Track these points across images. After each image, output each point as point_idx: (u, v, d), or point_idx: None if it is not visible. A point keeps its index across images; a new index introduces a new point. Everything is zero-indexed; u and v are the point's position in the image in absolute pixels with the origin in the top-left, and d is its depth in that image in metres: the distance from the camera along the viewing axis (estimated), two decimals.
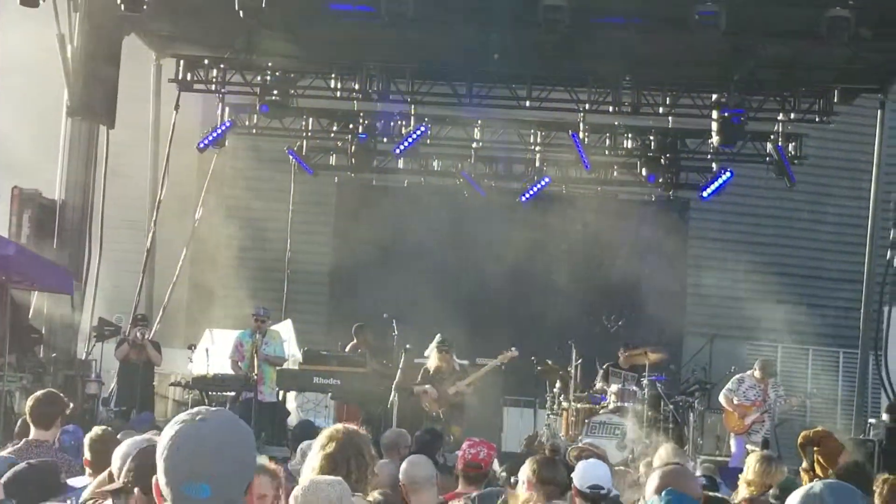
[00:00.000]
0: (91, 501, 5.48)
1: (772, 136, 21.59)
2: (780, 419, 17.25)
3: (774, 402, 16.45)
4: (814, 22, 15.55)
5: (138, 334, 17.33)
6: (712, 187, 22.14)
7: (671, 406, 17.07)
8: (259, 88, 20.32)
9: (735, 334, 23.81)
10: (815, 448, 10.44)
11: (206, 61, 20.52)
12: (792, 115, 20.78)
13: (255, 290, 22.43)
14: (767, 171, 22.10)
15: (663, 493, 4.60)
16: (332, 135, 23.27)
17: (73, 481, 4.92)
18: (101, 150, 18.06)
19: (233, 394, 16.17)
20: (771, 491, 8.18)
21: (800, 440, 11.44)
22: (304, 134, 22.98)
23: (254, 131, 22.72)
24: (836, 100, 20.29)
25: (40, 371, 16.11)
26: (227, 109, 21.78)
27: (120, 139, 18.53)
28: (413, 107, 21.64)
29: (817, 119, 20.55)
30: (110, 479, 4.75)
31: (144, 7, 16.00)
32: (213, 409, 3.00)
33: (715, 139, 19.74)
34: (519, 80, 20.24)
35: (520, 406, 20.41)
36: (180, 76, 20.54)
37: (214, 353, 17.92)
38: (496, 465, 8.73)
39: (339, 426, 5.93)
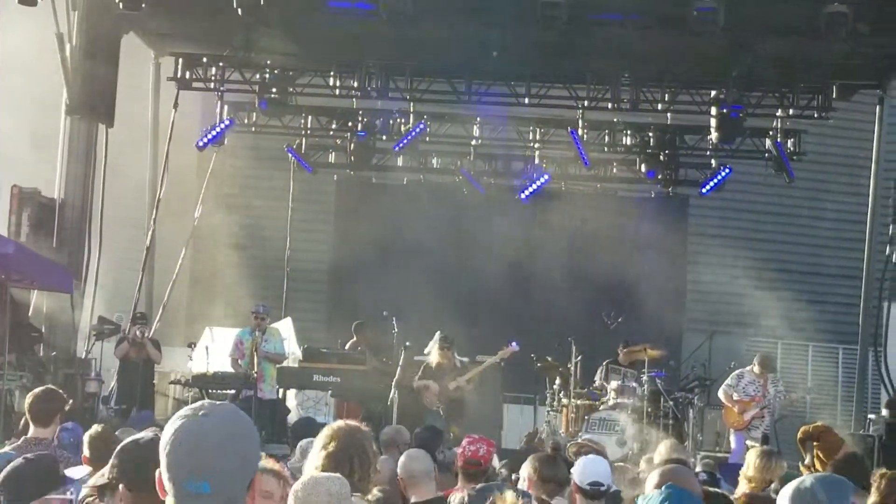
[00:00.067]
0: (91, 498, 5.50)
1: (770, 133, 21.60)
2: (780, 415, 17.26)
3: (774, 398, 16.45)
4: (812, 18, 15.55)
5: (138, 332, 17.33)
6: (711, 184, 22.17)
7: (671, 402, 17.06)
8: (258, 86, 20.33)
9: (735, 330, 23.81)
10: (815, 443, 10.48)
11: (204, 59, 20.52)
12: (790, 112, 20.78)
13: (254, 287, 22.44)
14: (766, 168, 22.10)
15: (664, 488, 4.61)
16: (332, 133, 23.27)
17: (72, 472, 4.93)
18: (100, 149, 18.08)
19: (233, 392, 16.16)
20: (772, 486, 8.18)
21: (799, 435, 11.47)
22: (304, 132, 22.97)
23: (253, 129, 22.72)
24: (834, 96, 20.28)
25: (40, 370, 16.11)
26: (226, 107, 21.77)
27: (119, 138, 18.54)
28: (412, 104, 21.66)
29: (816, 115, 20.53)
30: None
31: (143, 5, 16.00)
32: (217, 403, 2.97)
33: (714, 135, 19.76)
34: (518, 78, 20.24)
35: (520, 403, 20.42)
36: (179, 74, 20.54)
37: (214, 351, 17.91)
38: (496, 462, 8.74)
39: (341, 423, 5.87)
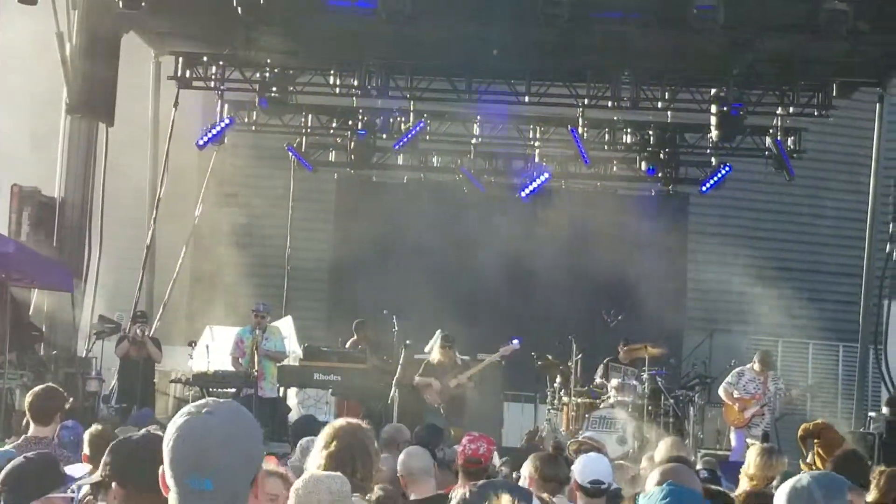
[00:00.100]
0: (91, 497, 5.50)
1: (771, 131, 21.59)
2: (781, 413, 17.26)
3: (774, 395, 16.45)
4: (812, 15, 15.54)
5: (138, 331, 17.33)
6: (711, 182, 22.18)
7: (671, 400, 17.08)
8: (258, 85, 20.33)
9: (735, 328, 23.81)
10: (816, 440, 10.49)
11: (204, 58, 20.53)
12: (791, 110, 20.77)
13: (255, 286, 22.44)
14: (766, 166, 22.10)
15: (665, 485, 4.61)
16: (332, 131, 23.28)
17: (72, 470, 4.92)
18: (100, 148, 18.08)
19: (233, 390, 16.16)
20: (774, 483, 8.17)
21: (800, 433, 11.49)
22: (304, 130, 22.97)
23: (253, 128, 22.70)
24: (834, 94, 20.28)
25: (41, 369, 16.11)
26: (226, 106, 21.77)
27: (119, 137, 18.53)
28: (412, 103, 21.66)
29: (816, 113, 20.53)
30: None
31: (143, 4, 16.00)
32: (221, 401, 2.98)
33: (714, 133, 19.77)
34: (518, 76, 20.24)
35: (520, 401, 20.43)
36: (179, 73, 20.54)
37: (215, 349, 17.93)
38: (496, 460, 8.73)
39: (342, 422, 5.85)
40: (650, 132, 22.33)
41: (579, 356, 17.59)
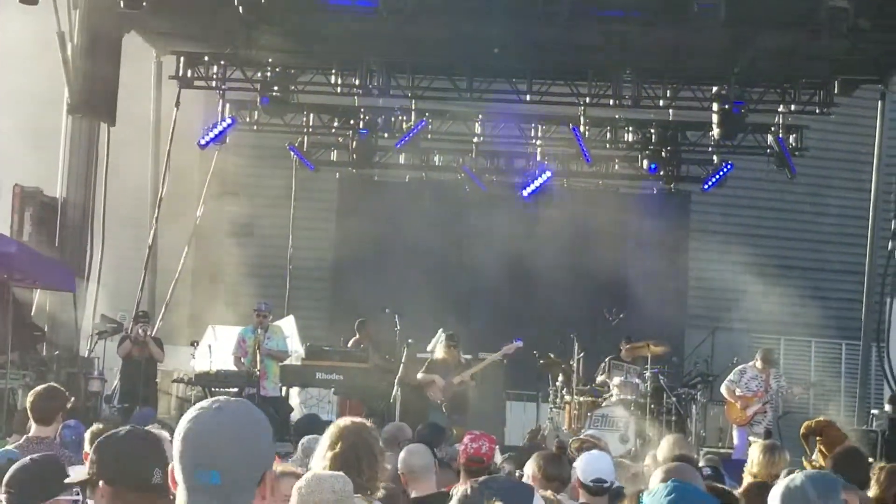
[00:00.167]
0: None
1: (772, 128, 21.59)
2: (784, 410, 17.27)
3: (776, 393, 16.44)
4: (813, 13, 15.53)
5: (140, 331, 17.32)
6: (713, 180, 22.18)
7: (673, 398, 17.08)
8: (259, 85, 20.32)
9: (737, 326, 23.82)
10: (818, 437, 10.49)
11: (206, 58, 20.52)
12: (792, 107, 20.77)
13: (257, 286, 22.46)
14: (768, 164, 22.09)
15: (669, 482, 4.61)
16: (333, 130, 23.27)
17: (76, 471, 4.92)
18: (101, 148, 18.09)
19: (235, 390, 16.16)
20: (779, 479, 8.16)
21: (802, 430, 11.49)
22: (305, 130, 22.97)
23: (255, 128, 22.70)
24: (836, 91, 20.25)
25: (43, 369, 16.12)
26: (227, 106, 21.77)
27: (121, 136, 18.54)
28: (414, 101, 21.66)
29: (818, 110, 20.50)
30: None
31: (144, 4, 15.99)
32: (233, 399, 3.01)
33: (716, 131, 19.76)
34: (519, 74, 20.23)
35: (522, 400, 20.42)
36: (180, 73, 20.53)
37: (217, 349, 17.95)
38: (497, 458, 8.73)
39: (347, 421, 5.82)
40: (652, 130, 22.32)
41: (581, 355, 17.59)
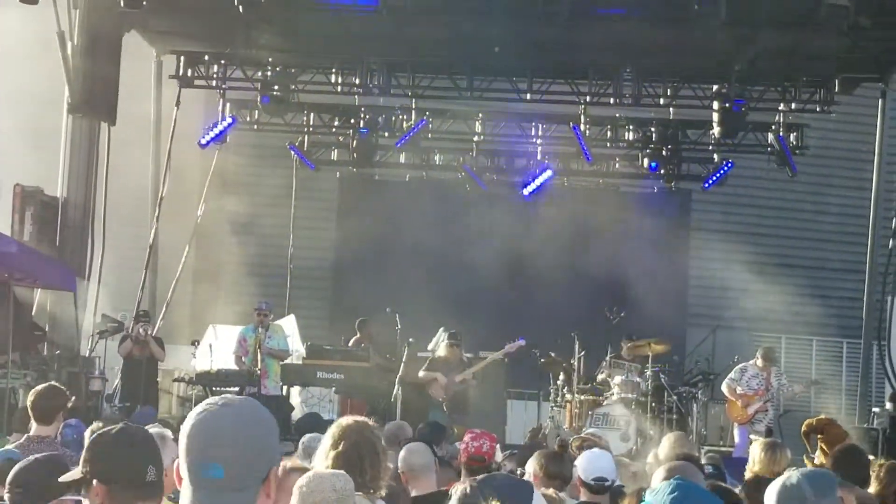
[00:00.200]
0: None
1: (773, 127, 21.57)
2: (785, 409, 17.27)
3: (777, 391, 16.44)
4: (813, 11, 15.53)
5: (141, 330, 17.33)
6: (714, 178, 22.18)
7: (674, 397, 17.08)
8: (260, 84, 20.31)
9: (738, 325, 23.82)
10: (819, 436, 10.44)
11: (206, 57, 20.51)
12: (793, 106, 20.74)
13: (257, 285, 22.48)
14: (769, 162, 22.08)
15: (672, 479, 4.61)
16: (334, 130, 23.26)
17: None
18: (102, 147, 18.08)
19: (236, 389, 16.17)
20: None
21: (803, 428, 11.45)
22: (306, 129, 22.98)
23: (255, 127, 22.70)
24: (836, 89, 20.23)
25: (44, 368, 16.12)
26: (227, 105, 21.77)
27: (121, 136, 18.53)
28: (414, 101, 21.65)
29: (818, 109, 20.50)
30: None
31: (144, 3, 15.99)
32: (239, 397, 3.03)
33: (716, 130, 19.73)
34: (519, 73, 20.21)
35: (523, 399, 20.42)
36: (181, 72, 20.52)
37: (218, 348, 17.97)
38: (498, 456, 8.73)
39: (349, 420, 5.80)
40: (652, 129, 22.30)
41: (582, 353, 17.59)
